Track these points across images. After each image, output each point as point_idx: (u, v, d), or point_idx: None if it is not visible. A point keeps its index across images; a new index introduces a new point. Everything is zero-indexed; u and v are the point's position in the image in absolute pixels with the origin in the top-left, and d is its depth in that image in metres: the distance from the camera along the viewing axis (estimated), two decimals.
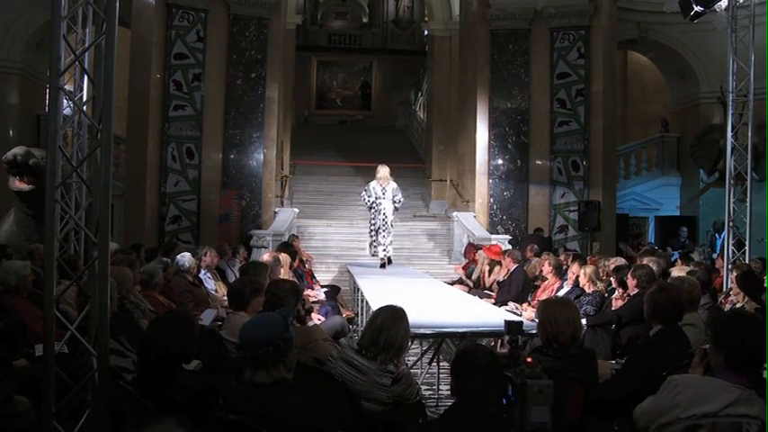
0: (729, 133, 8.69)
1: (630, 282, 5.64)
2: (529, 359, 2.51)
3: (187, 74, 12.21)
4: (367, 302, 6.41)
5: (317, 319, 6.11)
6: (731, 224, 8.59)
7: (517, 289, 7.96)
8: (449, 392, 3.73)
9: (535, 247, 10.11)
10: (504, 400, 2.44)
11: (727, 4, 9.15)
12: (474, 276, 9.74)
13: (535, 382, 2.37)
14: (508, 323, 2.89)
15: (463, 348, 2.84)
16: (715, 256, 10.80)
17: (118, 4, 3.15)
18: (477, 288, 9.17)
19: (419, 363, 6.01)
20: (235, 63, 12.52)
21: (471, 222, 12.85)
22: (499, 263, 9.07)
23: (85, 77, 5.51)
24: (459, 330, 4.95)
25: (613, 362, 4.50)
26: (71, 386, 3.08)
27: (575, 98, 13.04)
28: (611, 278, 6.45)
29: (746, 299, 5.78)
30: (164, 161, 12.08)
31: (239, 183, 12.51)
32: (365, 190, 10.06)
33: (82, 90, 6.54)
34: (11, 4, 12.76)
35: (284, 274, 6.70)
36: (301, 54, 23.15)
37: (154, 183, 11.95)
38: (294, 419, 2.56)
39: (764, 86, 9.80)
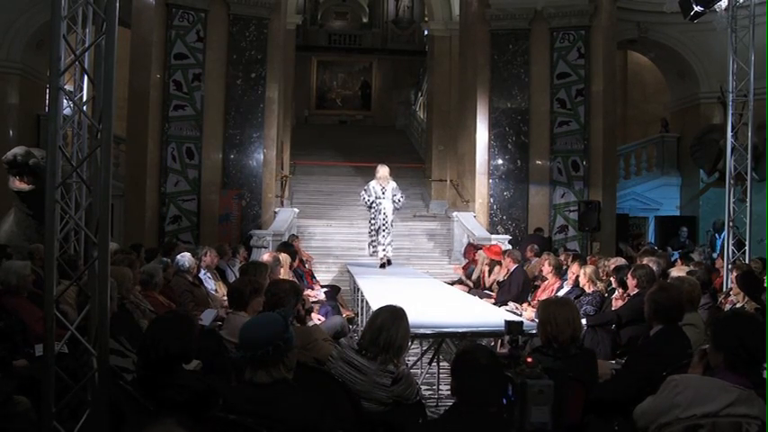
0: (729, 133, 8.69)
1: (630, 282, 5.64)
2: (529, 359, 2.51)
3: (187, 74, 12.21)
4: (367, 302, 6.41)
5: (316, 319, 6.11)
6: (731, 224, 8.59)
7: (517, 289, 7.96)
8: (449, 392, 3.73)
9: (535, 247, 10.11)
10: (505, 400, 2.44)
11: (727, 4, 9.15)
12: (474, 276, 9.74)
13: (535, 382, 2.37)
14: (508, 323, 2.89)
15: (463, 348, 2.84)
16: (715, 255, 10.80)
17: (118, 4, 3.16)
18: (477, 288, 9.17)
19: (419, 363, 6.01)
20: (235, 63, 12.52)
21: (471, 222, 12.85)
22: (499, 263, 9.07)
23: (85, 77, 5.51)
24: (459, 330, 4.95)
25: (613, 362, 4.50)
26: (71, 386, 3.08)
27: (575, 98, 13.04)
28: (611, 278, 6.45)
29: (746, 299, 5.78)
30: (164, 161, 12.09)
31: (239, 183, 12.51)
32: (365, 189, 10.05)
33: (82, 90, 6.53)
34: (11, 4, 12.76)
35: (284, 274, 6.70)
36: (301, 54, 23.15)
37: (154, 183, 11.95)
38: (294, 419, 2.56)
39: (764, 86, 9.80)
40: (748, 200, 8.65)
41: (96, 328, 3.04)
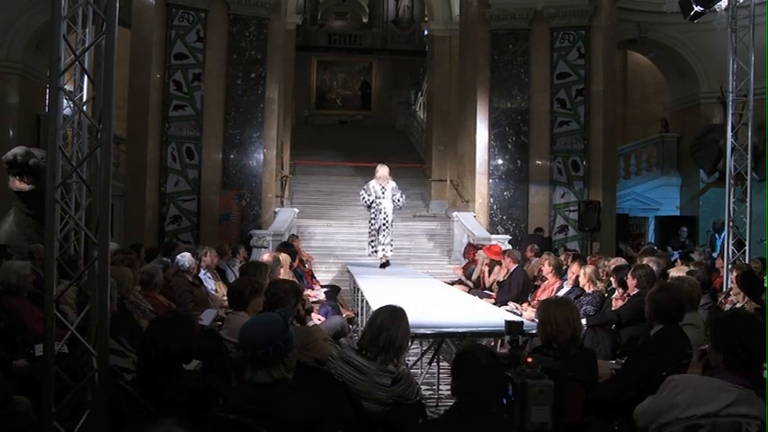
0: (729, 133, 8.69)
1: (630, 282, 5.64)
2: (529, 359, 2.51)
3: (187, 74, 12.21)
4: (367, 302, 6.41)
5: (316, 319, 6.11)
6: (731, 224, 8.59)
7: (517, 289, 7.96)
8: (449, 392, 3.73)
9: (535, 247, 10.11)
10: (505, 401, 2.44)
11: (727, 4, 9.15)
12: (474, 276, 9.74)
13: (536, 382, 2.37)
14: (508, 323, 2.89)
15: (463, 348, 2.84)
16: (715, 255, 10.80)
17: (118, 4, 3.16)
18: (477, 288, 9.17)
19: (419, 363, 6.01)
20: (235, 63, 12.52)
21: (471, 222, 12.85)
22: (499, 263, 9.07)
23: (85, 77, 5.51)
24: (459, 330, 4.95)
25: (613, 362, 4.50)
26: (71, 386, 3.08)
27: (575, 98, 13.04)
28: (611, 278, 6.45)
29: (746, 299, 5.78)
30: (164, 161, 12.08)
31: (239, 183, 12.51)
32: (364, 189, 10.05)
33: (82, 90, 6.53)
34: (11, 4, 12.76)
35: (284, 274, 6.70)
36: (301, 54, 23.15)
37: (154, 183, 11.95)
38: (294, 419, 2.56)
39: (764, 86, 9.80)
40: (748, 200, 8.65)
41: (96, 328, 3.04)
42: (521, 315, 6.57)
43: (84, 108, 5.96)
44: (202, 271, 7.36)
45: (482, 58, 13.35)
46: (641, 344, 4.21)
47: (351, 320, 7.19)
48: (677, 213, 15.41)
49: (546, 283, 7.76)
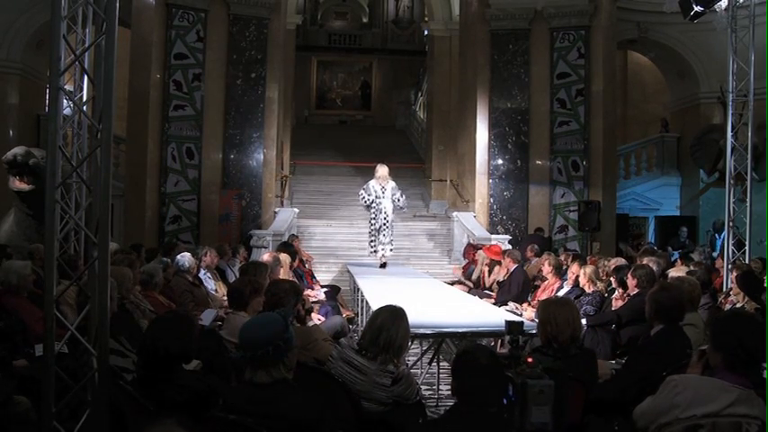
0: (729, 133, 8.69)
1: (630, 282, 5.64)
2: (529, 359, 2.51)
3: (187, 74, 12.21)
4: (367, 302, 6.41)
5: (316, 319, 6.11)
6: (731, 224, 8.59)
7: (517, 289, 7.96)
8: (449, 392, 3.73)
9: (535, 247, 10.11)
10: (505, 401, 2.44)
11: (727, 4, 9.14)
12: (474, 276, 9.75)
13: (536, 382, 2.37)
14: (509, 323, 2.89)
15: (464, 348, 2.84)
16: (715, 255, 10.80)
17: (118, 4, 3.16)
18: (477, 288, 9.17)
19: (419, 363, 6.01)
20: (235, 63, 12.52)
21: (471, 222, 12.85)
22: (499, 263, 9.07)
23: (85, 77, 5.51)
24: (459, 330, 4.95)
25: (613, 362, 4.50)
26: (71, 386, 3.08)
27: (575, 98, 13.04)
28: (611, 278, 6.45)
29: (746, 299, 5.78)
30: (164, 161, 12.08)
31: (239, 183, 12.51)
32: (364, 189, 10.06)
33: (82, 90, 6.53)
34: (11, 4, 12.76)
35: (284, 274, 6.70)
36: (301, 54, 23.15)
37: (154, 183, 11.95)
38: (294, 419, 2.56)
39: (764, 86, 9.80)
40: (748, 200, 8.65)
41: (96, 328, 3.04)
42: (521, 315, 6.57)
43: (84, 108, 5.96)
44: (202, 271, 7.36)
45: (482, 58, 13.35)
46: (641, 344, 4.21)
47: (351, 320, 7.19)
48: (677, 213, 15.41)
49: (546, 283, 7.76)
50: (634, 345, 4.85)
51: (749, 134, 8.52)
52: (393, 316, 3.40)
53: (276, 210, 13.04)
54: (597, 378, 3.60)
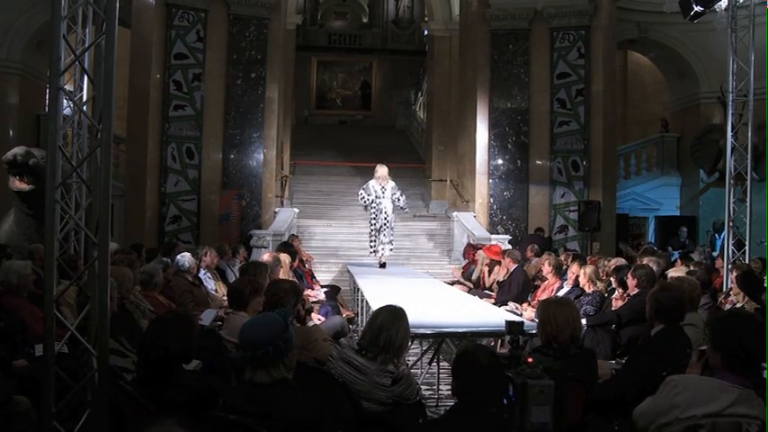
0: (729, 133, 8.69)
1: (630, 282, 5.64)
2: (530, 359, 2.51)
3: (187, 74, 12.21)
4: (367, 302, 6.41)
5: (316, 319, 6.11)
6: (731, 224, 8.59)
7: (517, 289, 7.96)
8: (449, 392, 3.73)
9: (536, 247, 10.10)
10: (505, 401, 2.44)
11: (727, 4, 9.14)
12: (474, 276, 9.75)
13: (536, 382, 2.37)
14: (509, 323, 2.89)
15: (464, 348, 2.84)
16: (715, 255, 10.80)
17: (118, 4, 3.16)
18: (477, 288, 9.17)
19: (419, 363, 6.01)
20: (235, 63, 12.52)
21: (471, 222, 12.85)
22: (499, 263, 9.07)
23: (85, 77, 5.51)
24: (459, 330, 4.95)
25: (613, 362, 4.50)
26: (71, 386, 3.08)
27: (575, 98, 13.04)
28: (611, 278, 6.45)
29: (746, 299, 5.78)
30: (164, 161, 12.09)
31: (239, 183, 12.51)
32: (363, 189, 10.07)
33: (82, 90, 6.53)
34: (11, 4, 12.76)
35: (284, 274, 6.70)
36: (301, 54, 23.15)
37: (154, 183, 11.95)
38: (294, 419, 2.56)
39: (764, 86, 9.79)
40: (748, 200, 8.65)
41: (96, 328, 3.04)
42: (521, 315, 6.57)
43: (84, 108, 5.96)
44: (202, 271, 7.36)
45: (482, 58, 13.35)
46: (642, 344, 4.21)
47: (351, 320, 7.19)
48: (677, 213, 15.41)
49: (546, 283, 7.76)
50: (634, 345, 4.86)
51: (749, 134, 8.52)
52: (393, 316, 3.40)
53: (276, 210, 13.04)
54: (597, 378, 3.60)
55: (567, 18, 13.13)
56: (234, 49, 12.50)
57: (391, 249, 10.11)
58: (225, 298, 6.05)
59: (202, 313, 5.49)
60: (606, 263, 7.46)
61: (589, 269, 6.58)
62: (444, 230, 14.05)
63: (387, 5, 27.92)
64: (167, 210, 12.07)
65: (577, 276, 6.78)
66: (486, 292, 8.82)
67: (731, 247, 8.45)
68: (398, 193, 9.99)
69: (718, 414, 2.51)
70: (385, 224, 9.88)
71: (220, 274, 8.04)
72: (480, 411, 2.49)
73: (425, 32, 20.70)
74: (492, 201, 13.23)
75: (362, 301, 7.29)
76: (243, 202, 12.42)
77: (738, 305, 5.78)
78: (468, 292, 8.45)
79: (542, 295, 7.28)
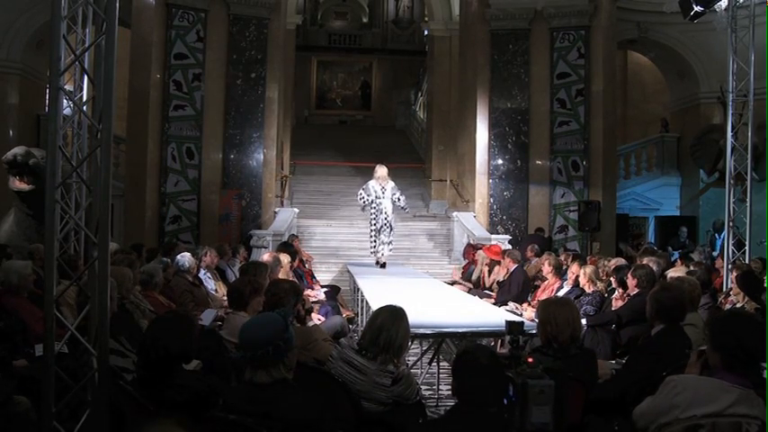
0: (729, 133, 8.69)
1: (630, 282, 5.64)
2: (530, 359, 2.51)
3: (187, 74, 12.21)
4: (367, 302, 6.41)
5: (316, 319, 6.11)
6: (731, 224, 8.59)
7: (517, 289, 7.96)
8: (449, 392, 3.73)
9: (536, 247, 10.10)
10: (506, 401, 2.44)
11: (727, 4, 9.15)
12: (474, 276, 9.74)
13: (536, 382, 2.37)
14: (509, 323, 2.88)
15: (464, 348, 2.84)
16: (715, 255, 10.80)
17: (118, 4, 3.15)
18: (477, 288, 9.17)
19: (419, 363, 6.01)
20: (235, 63, 12.52)
21: (471, 222, 12.85)
22: (499, 263, 9.07)
23: (85, 77, 5.51)
24: (459, 330, 4.95)
25: (613, 362, 4.50)
26: (71, 386, 3.08)
27: (575, 98, 13.04)
28: (611, 278, 6.45)
29: (746, 299, 5.78)
30: (164, 161, 12.09)
31: (239, 183, 12.51)
32: (363, 189, 10.07)
33: (82, 90, 6.53)
34: (11, 4, 12.76)
35: (284, 274, 6.70)
36: (301, 54, 23.15)
37: (154, 183, 11.95)
38: (294, 419, 2.56)
39: (764, 86, 9.79)
40: (748, 200, 8.65)
41: (96, 328, 3.04)
42: (521, 315, 6.57)
43: (84, 108, 5.96)
44: (202, 271, 7.36)
45: (482, 58, 13.35)
46: (642, 343, 4.21)
47: (351, 320, 7.19)
48: (677, 213, 15.41)
49: (546, 283, 7.76)
50: (634, 345, 4.86)
51: (749, 134, 8.51)
52: (393, 316, 3.40)
53: (276, 210, 13.04)
54: (597, 378, 3.60)
55: (567, 18, 13.13)
56: (234, 49, 12.51)
57: (390, 249, 10.11)
58: (225, 298, 6.05)
59: (202, 313, 5.49)
60: (606, 263, 7.46)
61: (589, 269, 6.58)
62: (444, 230, 14.05)
63: (387, 5, 27.93)
64: (167, 210, 12.08)
65: (577, 276, 6.78)
66: (486, 292, 8.81)
67: (731, 247, 8.44)
68: (398, 194, 9.99)
69: (719, 414, 2.51)
70: (385, 224, 9.90)
71: (220, 274, 8.04)
72: (480, 411, 2.49)
73: (425, 32, 20.70)
74: (492, 201, 13.23)
75: (362, 301, 7.29)
76: (243, 202, 12.42)
77: (738, 305, 5.78)
78: (468, 292, 8.45)
79: (542, 295, 7.28)
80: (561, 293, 6.87)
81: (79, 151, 6.94)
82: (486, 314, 5.81)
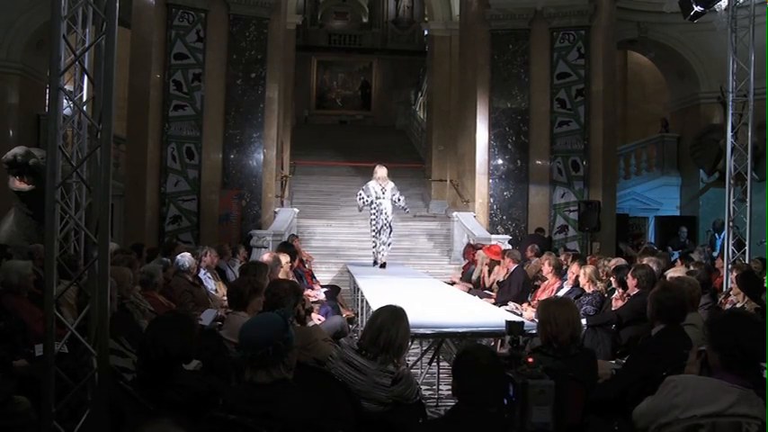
0: (729, 133, 8.69)
1: (630, 282, 5.64)
2: (530, 359, 2.51)
3: (187, 74, 12.21)
4: (367, 302, 6.41)
5: (316, 319, 6.11)
6: (731, 224, 8.59)
7: (517, 289, 7.96)
8: (449, 392, 3.73)
9: (536, 246, 10.10)
10: (506, 401, 2.44)
11: (727, 4, 9.14)
12: (474, 276, 9.74)
13: (537, 382, 2.37)
14: (509, 323, 2.88)
15: (464, 348, 2.84)
16: (715, 255, 10.80)
17: (118, 4, 3.16)
18: (477, 288, 9.17)
19: (419, 363, 6.01)
20: (235, 63, 12.52)
21: (471, 222, 12.85)
22: (499, 263, 9.06)
23: (85, 77, 5.51)
24: (459, 330, 4.95)
25: (613, 362, 4.50)
26: (71, 386, 3.08)
27: (575, 98, 13.04)
28: (611, 278, 6.45)
29: (746, 299, 5.78)
30: (164, 161, 12.09)
31: (239, 183, 12.51)
32: (363, 189, 10.08)
33: (82, 90, 6.52)
34: (11, 4, 12.76)
35: (284, 274, 6.70)
36: (301, 54, 23.16)
37: (154, 183, 11.95)
38: (294, 419, 2.55)
39: (764, 86, 9.79)
40: (748, 200, 8.65)
41: (96, 328, 3.04)
42: (521, 315, 6.57)
43: (84, 108, 5.96)
44: (202, 271, 7.36)
45: (482, 58, 13.35)
46: (642, 343, 4.21)
47: (351, 320, 7.19)
48: (677, 213, 15.42)
49: (546, 283, 7.76)
50: (634, 345, 4.85)
51: (749, 134, 8.52)
52: (393, 316, 3.40)
53: (276, 210, 13.04)
54: (597, 378, 3.60)
55: (567, 18, 13.13)
56: (234, 49, 12.51)
57: (389, 250, 10.13)
58: (225, 298, 6.05)
59: (202, 313, 5.49)
60: (606, 263, 7.46)
61: (589, 269, 6.58)
62: (444, 230, 14.05)
63: (387, 5, 27.93)
64: (167, 210, 12.08)
65: (577, 276, 6.78)
66: (486, 292, 8.81)
67: (731, 247, 8.44)
68: (398, 194, 10.00)
69: (719, 414, 2.51)
70: (385, 225, 9.91)
71: (220, 274, 8.04)
72: (480, 411, 2.49)
73: (425, 32, 20.70)
74: (492, 201, 13.23)
75: (362, 301, 7.29)
76: (243, 202, 12.42)
77: (738, 305, 5.78)
78: (468, 292, 8.45)
79: (542, 295, 7.28)
80: (561, 293, 6.87)
81: (79, 151, 6.93)
82: (486, 314, 5.81)
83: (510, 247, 10.59)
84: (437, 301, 6.58)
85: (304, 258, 9.90)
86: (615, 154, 14.00)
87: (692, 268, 7.32)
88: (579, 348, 3.57)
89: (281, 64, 13.19)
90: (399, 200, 10.00)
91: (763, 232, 9.64)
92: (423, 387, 5.45)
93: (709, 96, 14.81)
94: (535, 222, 13.03)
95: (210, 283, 7.39)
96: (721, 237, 11.21)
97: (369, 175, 10.58)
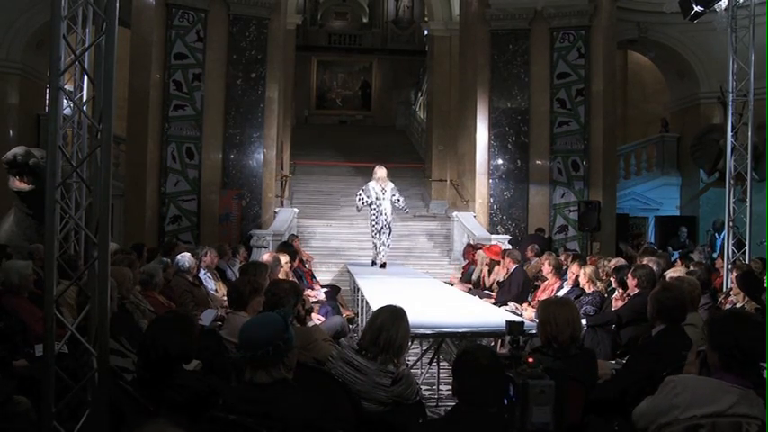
0: (729, 133, 8.69)
1: (630, 282, 5.64)
2: (530, 359, 2.51)
3: (187, 74, 12.21)
4: (367, 302, 6.41)
5: (316, 319, 6.11)
6: (731, 224, 8.59)
7: (517, 289, 7.96)
8: (449, 392, 3.73)
9: (536, 246, 10.10)
10: (506, 401, 2.44)
11: (727, 4, 9.15)
12: (474, 276, 9.74)
13: (537, 382, 2.37)
14: (509, 323, 2.88)
15: (464, 348, 2.83)
16: (715, 255, 10.80)
17: (118, 4, 3.15)
18: (477, 288, 9.17)
19: (419, 363, 6.01)
20: (235, 63, 12.52)
21: (471, 222, 12.85)
22: (499, 263, 9.06)
23: (85, 77, 5.51)
24: (459, 330, 4.95)
25: (613, 362, 4.50)
26: (71, 386, 3.08)
27: (575, 98, 13.05)
28: (611, 278, 6.45)
29: (746, 299, 5.78)
30: (164, 161, 12.09)
31: (239, 183, 12.51)
32: (363, 190, 10.08)
33: (82, 90, 6.52)
34: (11, 4, 12.76)
35: (284, 274, 6.70)
36: (301, 54, 23.16)
37: (154, 183, 11.95)
38: (294, 419, 2.56)
39: (764, 86, 9.80)
40: (748, 200, 8.65)
41: (96, 328, 3.04)
42: (521, 315, 6.56)
43: (84, 108, 5.96)
44: (202, 271, 7.36)
45: (482, 58, 13.35)
46: (642, 344, 4.21)
47: (351, 320, 7.19)
48: (677, 213, 15.42)
49: (546, 283, 7.76)
50: (634, 345, 4.85)
51: (749, 134, 8.52)
52: (393, 316, 3.40)
53: (276, 210, 13.04)
54: (597, 378, 3.60)
55: (567, 18, 13.14)
56: (234, 49, 12.51)
57: (387, 250, 10.13)
58: (225, 298, 6.05)
59: (202, 313, 5.49)
60: (606, 263, 7.46)
61: (589, 269, 6.58)
62: (444, 230, 14.05)
63: (387, 5, 27.94)
64: (167, 210, 12.08)
65: (577, 276, 6.78)
66: (486, 292, 8.81)
67: (731, 247, 8.44)
68: (398, 195, 10.01)
69: (720, 414, 2.51)
70: (385, 225, 9.92)
71: (220, 274, 8.04)
72: (480, 411, 2.49)
73: (425, 32, 20.70)
74: (492, 201, 13.23)
75: (362, 301, 7.29)
76: (243, 202, 12.42)
77: (738, 305, 5.78)
78: (468, 292, 8.45)
79: (542, 295, 7.28)
80: (561, 293, 6.87)
81: (79, 151, 6.93)
82: (486, 314, 5.81)
83: (510, 247, 10.59)
84: (437, 301, 6.58)
85: (304, 258, 9.91)
86: (615, 154, 14.00)
87: (692, 268, 7.32)
88: (579, 348, 3.57)
89: (281, 64, 13.19)
90: (399, 201, 10.01)
91: (763, 232, 9.64)
92: (423, 387, 5.44)
93: (709, 96, 14.81)
94: (535, 222, 13.03)
95: (210, 283, 7.39)
96: (721, 237, 11.21)
97: (369, 175, 10.58)
